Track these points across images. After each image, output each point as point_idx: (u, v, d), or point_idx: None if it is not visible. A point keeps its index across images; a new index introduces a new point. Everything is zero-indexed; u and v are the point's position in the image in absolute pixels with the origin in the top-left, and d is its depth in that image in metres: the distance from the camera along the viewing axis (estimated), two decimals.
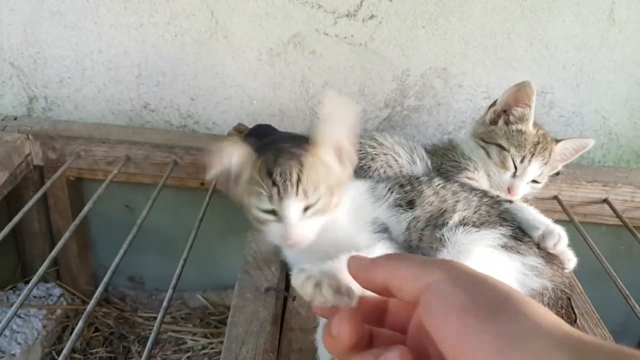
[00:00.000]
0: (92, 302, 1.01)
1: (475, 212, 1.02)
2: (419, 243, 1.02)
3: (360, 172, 1.17)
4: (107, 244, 1.70)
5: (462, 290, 0.39)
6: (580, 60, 1.59)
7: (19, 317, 1.56)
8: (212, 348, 1.66)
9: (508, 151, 1.22)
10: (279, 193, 0.84)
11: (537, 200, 1.23)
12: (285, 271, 1.09)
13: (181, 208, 1.71)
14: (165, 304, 1.02)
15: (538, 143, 1.23)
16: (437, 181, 1.10)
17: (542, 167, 1.23)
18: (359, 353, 0.44)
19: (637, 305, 1.06)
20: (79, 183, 1.67)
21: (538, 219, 1.03)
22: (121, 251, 1.12)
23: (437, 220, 1.01)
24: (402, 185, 1.06)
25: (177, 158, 1.49)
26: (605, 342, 0.36)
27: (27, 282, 1.69)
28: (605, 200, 1.48)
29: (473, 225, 0.99)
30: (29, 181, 1.54)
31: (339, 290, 0.52)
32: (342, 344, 0.44)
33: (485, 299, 0.38)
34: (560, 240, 0.98)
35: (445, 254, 0.93)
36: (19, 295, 1.39)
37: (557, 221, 1.04)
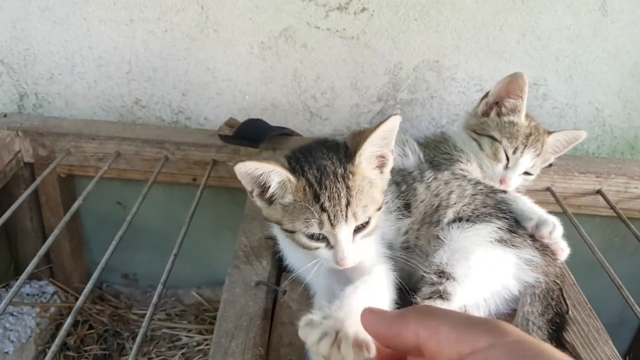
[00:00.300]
0: (81, 298, 1.01)
1: (470, 203, 1.01)
2: (416, 242, 1.01)
3: None
4: (101, 241, 1.69)
5: None
6: (573, 52, 1.58)
7: (12, 315, 1.55)
8: (207, 344, 1.66)
9: (500, 143, 1.22)
10: (329, 219, 0.80)
11: (529, 192, 1.22)
12: (276, 265, 1.08)
13: (173, 204, 1.70)
14: (155, 299, 1.01)
15: (530, 135, 1.22)
16: (429, 174, 1.09)
17: (534, 159, 1.22)
18: None
19: (630, 297, 1.06)
20: (70, 180, 1.66)
21: (531, 209, 1.02)
22: (111, 247, 1.11)
23: (432, 218, 1.01)
24: (397, 184, 1.05)
25: (168, 154, 1.48)
26: None
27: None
28: (598, 192, 1.48)
29: (468, 220, 0.98)
30: (19, 179, 1.53)
31: (358, 345, 0.48)
32: None
33: None
34: (555, 229, 0.98)
35: (442, 253, 0.93)
36: None
37: (550, 213, 1.03)
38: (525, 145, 1.21)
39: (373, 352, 0.46)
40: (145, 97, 1.65)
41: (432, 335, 0.39)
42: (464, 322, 0.38)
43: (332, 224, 0.80)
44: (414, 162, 1.25)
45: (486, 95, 1.28)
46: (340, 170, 0.82)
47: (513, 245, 0.95)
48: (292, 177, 0.81)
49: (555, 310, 0.92)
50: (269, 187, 0.83)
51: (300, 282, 0.98)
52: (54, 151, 1.49)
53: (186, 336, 1.69)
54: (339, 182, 0.81)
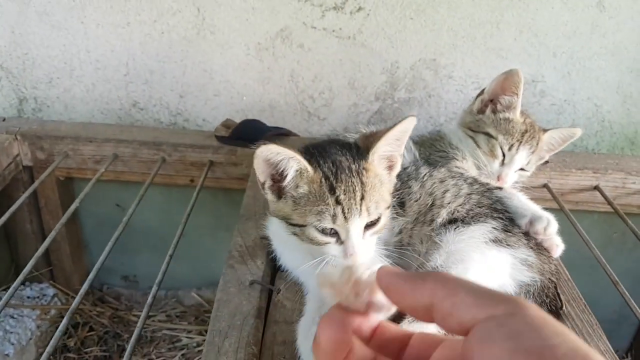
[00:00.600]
0: (77, 298, 1.01)
1: (465, 202, 1.00)
2: (410, 240, 1.01)
3: None
4: (100, 243, 1.68)
5: (537, 335, 0.33)
6: (571, 48, 1.57)
7: (12, 317, 1.56)
8: None
9: (496, 139, 1.21)
10: (343, 212, 0.81)
11: (526, 189, 1.22)
12: (271, 265, 1.08)
13: (171, 206, 1.71)
14: (149, 299, 1.01)
15: (526, 131, 1.22)
16: (424, 171, 1.08)
17: (529, 156, 1.22)
18: None
19: (627, 293, 1.05)
20: (69, 183, 1.67)
21: (525, 207, 1.02)
22: (107, 248, 1.11)
23: (426, 217, 1.00)
24: None
25: (165, 155, 1.49)
26: None
27: (21, 283, 1.69)
28: (596, 188, 1.47)
29: (463, 221, 0.97)
30: (18, 182, 1.54)
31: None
32: (324, 350, 0.41)
33: (564, 352, 0.32)
34: (549, 224, 0.97)
35: (437, 257, 0.92)
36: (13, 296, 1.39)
37: (547, 209, 1.02)
38: (521, 142, 1.21)
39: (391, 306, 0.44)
40: (143, 99, 1.65)
41: (449, 296, 0.37)
42: (485, 290, 0.37)
43: (345, 217, 0.81)
44: (410, 161, 1.24)
45: (482, 92, 1.27)
46: (354, 166, 0.84)
47: (508, 245, 0.94)
48: (309, 168, 0.82)
49: (549, 307, 0.92)
50: (286, 175, 0.83)
51: (295, 281, 0.98)
52: (52, 154, 1.50)
53: (186, 337, 1.69)
54: (354, 176, 0.82)
